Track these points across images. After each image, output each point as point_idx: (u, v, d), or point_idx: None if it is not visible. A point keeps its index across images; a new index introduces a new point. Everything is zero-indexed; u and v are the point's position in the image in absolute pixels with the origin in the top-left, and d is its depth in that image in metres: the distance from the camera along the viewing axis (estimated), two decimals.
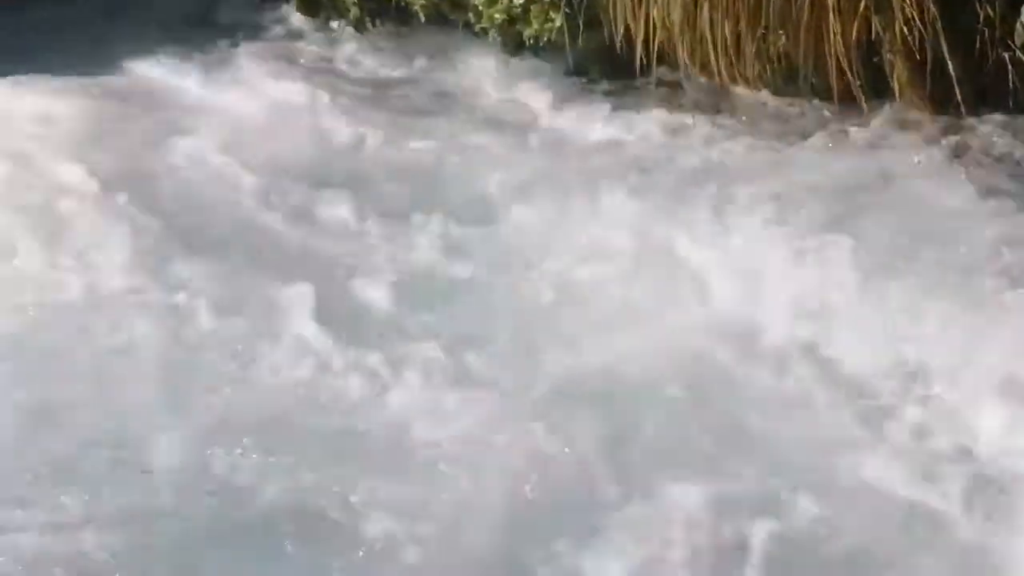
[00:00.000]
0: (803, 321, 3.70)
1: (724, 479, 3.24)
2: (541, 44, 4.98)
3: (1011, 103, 4.30)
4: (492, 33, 5.05)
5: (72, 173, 4.43)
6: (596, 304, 3.91)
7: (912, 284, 3.66)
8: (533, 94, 4.93)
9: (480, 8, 5.01)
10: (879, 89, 4.48)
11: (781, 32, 4.48)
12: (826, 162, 4.30)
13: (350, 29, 5.37)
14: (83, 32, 5.33)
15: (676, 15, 4.46)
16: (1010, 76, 4.25)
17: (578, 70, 4.98)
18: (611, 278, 3.97)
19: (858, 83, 4.42)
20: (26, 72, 4.99)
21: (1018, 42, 4.20)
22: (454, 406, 3.52)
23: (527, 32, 4.98)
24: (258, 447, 3.35)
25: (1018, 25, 4.18)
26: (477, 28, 5.09)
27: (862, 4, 4.29)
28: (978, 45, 4.25)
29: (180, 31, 5.42)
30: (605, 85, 4.92)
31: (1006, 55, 4.24)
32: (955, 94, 4.27)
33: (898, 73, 4.38)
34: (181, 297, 3.92)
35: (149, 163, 4.53)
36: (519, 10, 4.96)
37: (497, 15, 4.99)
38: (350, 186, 4.43)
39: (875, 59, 4.43)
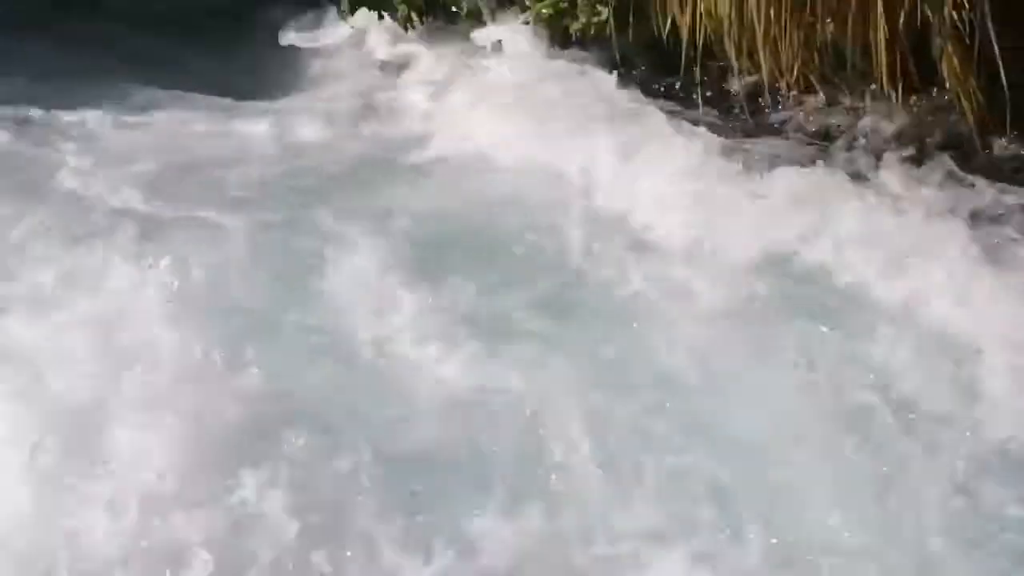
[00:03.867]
0: None
1: None
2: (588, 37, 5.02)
3: None
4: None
5: None
6: None
7: None
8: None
9: (527, 3, 5.05)
10: (927, 77, 4.48)
11: (829, 20, 4.48)
12: None
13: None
14: None
15: (724, 5, 4.47)
16: None
17: (624, 63, 5.01)
18: None
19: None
20: None
21: None
22: None
23: (574, 26, 5.02)
24: None
25: None
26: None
27: None
28: None
29: None
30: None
31: None
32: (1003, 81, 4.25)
33: (947, 59, 4.37)
34: None
35: None
36: (565, 4, 4.99)
37: (544, 9, 5.03)
38: None
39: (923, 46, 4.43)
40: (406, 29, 5.46)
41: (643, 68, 4.97)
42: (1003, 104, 4.23)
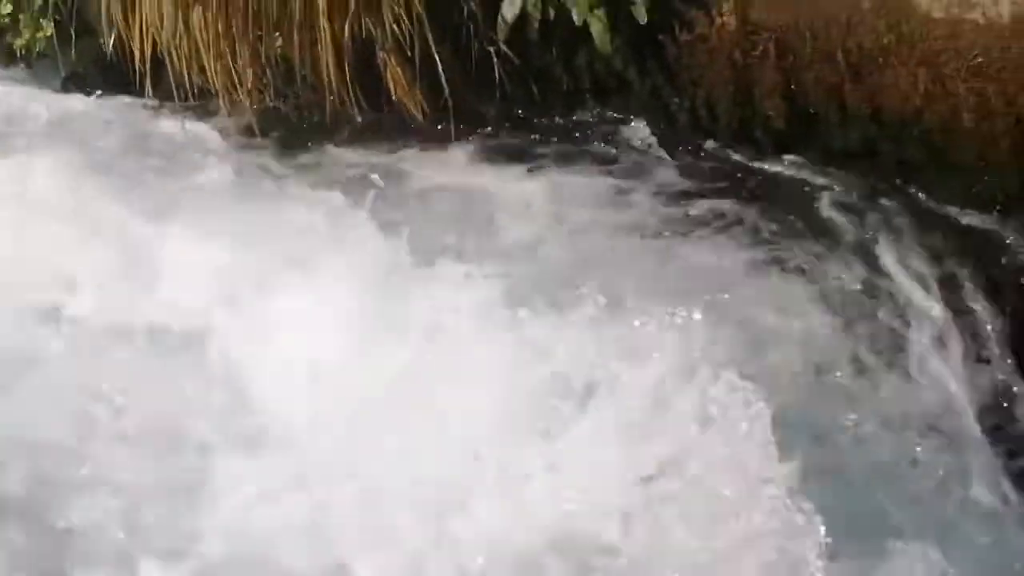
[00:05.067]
0: None
1: None
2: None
3: (498, 95, 4.51)
4: None
5: None
6: None
7: None
8: None
9: None
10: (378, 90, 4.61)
11: (277, 34, 4.53)
12: None
13: None
14: None
15: (167, 19, 4.42)
16: (496, 69, 4.46)
17: (75, 80, 4.87)
18: None
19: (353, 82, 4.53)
20: None
21: (500, 37, 4.41)
22: None
23: (18, 43, 4.83)
24: None
25: (499, 19, 4.39)
26: None
27: (352, 3, 4.40)
28: (464, 40, 4.45)
29: None
30: None
31: (491, 49, 4.45)
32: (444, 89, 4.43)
33: (391, 71, 4.51)
34: None
35: None
36: (7, 19, 4.80)
37: None
38: None
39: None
40: None
41: (94, 84, 4.84)
42: (447, 109, 4.43)
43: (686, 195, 4.12)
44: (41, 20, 4.73)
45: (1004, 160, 3.94)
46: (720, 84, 4.28)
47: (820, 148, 4.18)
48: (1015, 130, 3.89)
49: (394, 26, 4.41)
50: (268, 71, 4.64)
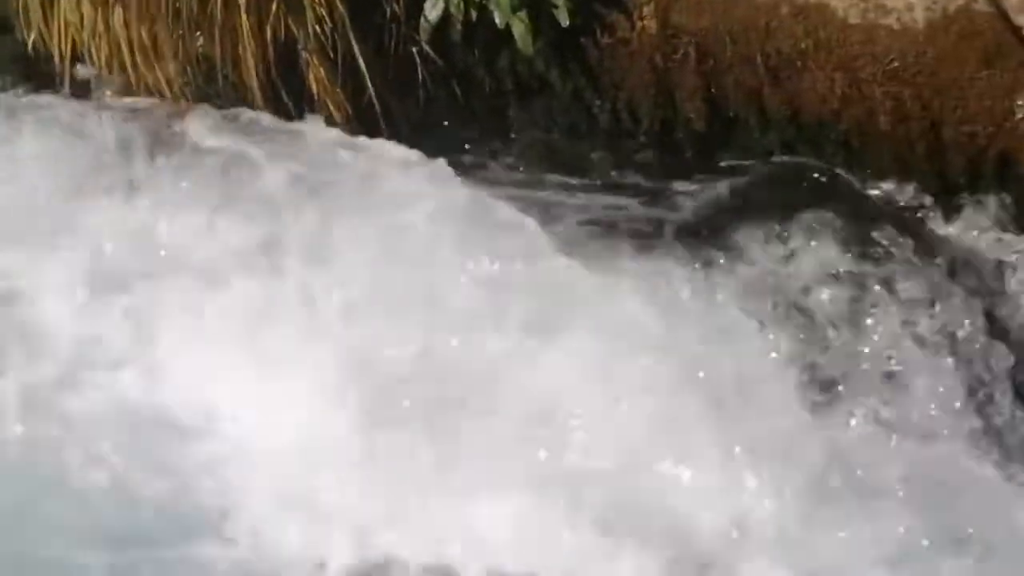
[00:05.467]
0: None
1: None
2: None
3: (421, 96, 4.52)
4: None
5: None
6: None
7: None
8: None
9: None
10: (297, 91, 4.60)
11: (199, 33, 4.51)
12: None
13: None
14: None
15: (86, 16, 4.39)
16: (419, 70, 4.47)
17: None
18: None
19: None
20: None
21: (424, 38, 4.42)
22: None
23: None
24: None
25: (422, 20, 4.40)
26: None
27: (273, 3, 4.39)
28: (387, 41, 4.45)
29: None
30: None
31: (414, 49, 4.46)
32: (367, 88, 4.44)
33: (314, 71, 4.50)
34: None
35: None
36: None
37: None
38: None
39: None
40: None
41: (11, 81, 4.80)
42: (372, 109, 4.45)
43: None
44: None
45: (920, 163, 4.03)
46: (641, 87, 4.32)
47: (740, 150, 4.24)
48: (930, 133, 3.97)
49: (316, 26, 4.41)
50: (189, 70, 4.61)
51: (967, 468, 3.49)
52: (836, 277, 3.81)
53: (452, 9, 4.37)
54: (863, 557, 3.37)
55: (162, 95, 4.61)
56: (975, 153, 3.94)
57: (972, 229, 3.93)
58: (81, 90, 4.64)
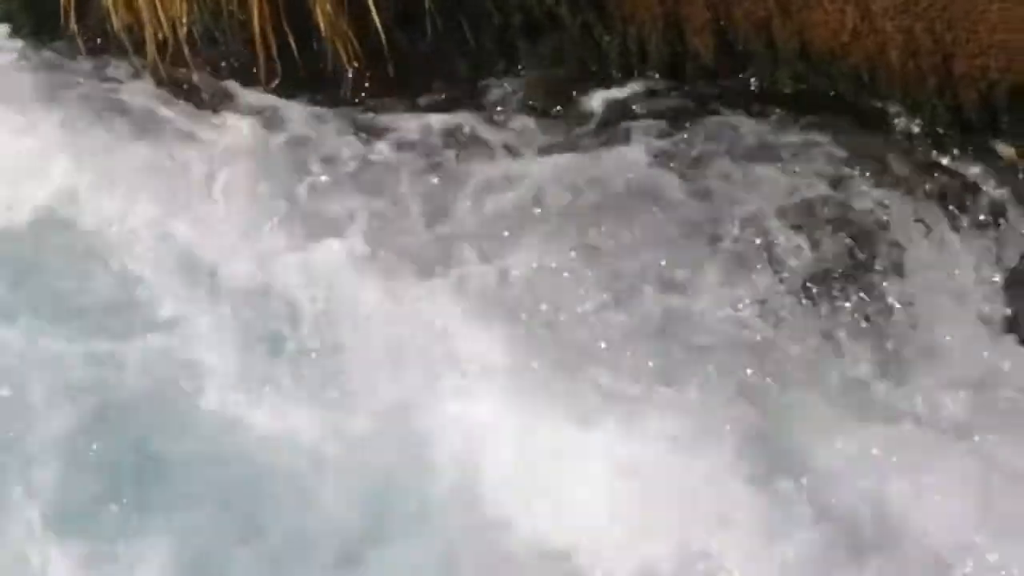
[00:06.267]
0: None
1: None
2: None
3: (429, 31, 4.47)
4: None
5: None
6: None
7: None
8: None
9: None
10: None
11: None
12: None
13: None
14: None
15: None
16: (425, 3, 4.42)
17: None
18: None
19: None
20: None
21: None
22: None
23: None
24: None
25: None
26: None
27: None
28: None
29: None
30: None
31: None
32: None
33: (320, 5, 4.44)
34: None
35: None
36: None
37: None
38: None
39: None
40: None
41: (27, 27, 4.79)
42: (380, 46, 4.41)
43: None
44: None
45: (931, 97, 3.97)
46: (650, 20, 4.26)
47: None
48: (941, 68, 3.91)
49: None
50: (196, 9, 4.58)
51: None
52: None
53: None
54: None
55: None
56: (987, 87, 3.88)
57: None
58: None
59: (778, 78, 4.15)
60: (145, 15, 4.55)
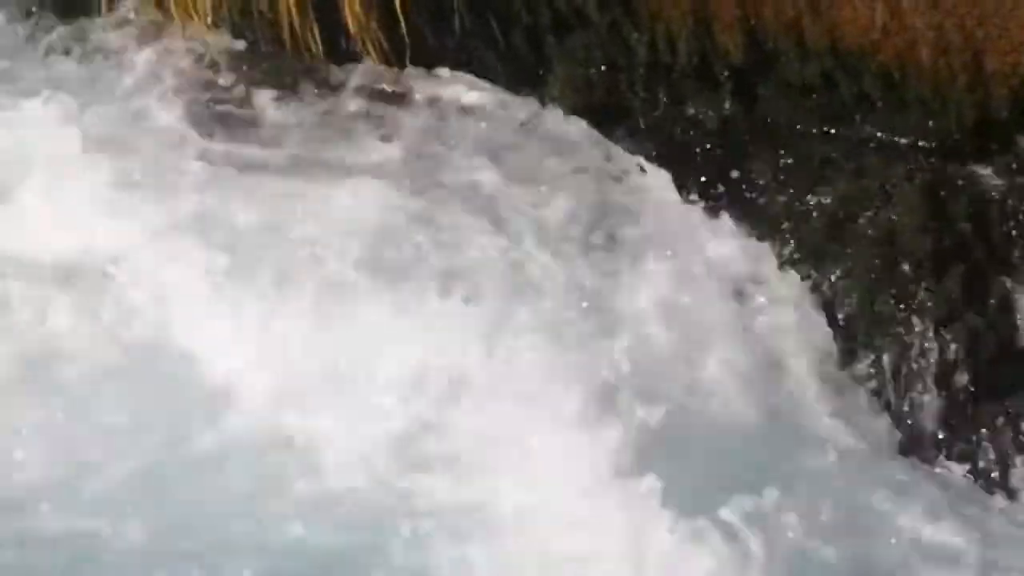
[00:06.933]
0: None
1: None
2: None
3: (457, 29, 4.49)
4: None
5: None
6: None
7: None
8: None
9: None
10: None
11: None
12: None
13: None
14: None
15: None
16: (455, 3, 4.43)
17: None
18: None
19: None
20: None
21: None
22: None
23: None
24: None
25: None
26: None
27: None
28: None
29: None
30: None
31: None
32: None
33: (349, 4, 4.46)
34: None
35: None
36: None
37: None
38: None
39: None
40: None
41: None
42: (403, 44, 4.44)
43: None
44: None
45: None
46: (679, 18, 4.25)
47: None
48: (971, 65, 3.89)
49: None
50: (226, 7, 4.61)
51: None
52: None
53: None
54: None
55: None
56: (1019, 84, 3.86)
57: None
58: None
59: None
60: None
